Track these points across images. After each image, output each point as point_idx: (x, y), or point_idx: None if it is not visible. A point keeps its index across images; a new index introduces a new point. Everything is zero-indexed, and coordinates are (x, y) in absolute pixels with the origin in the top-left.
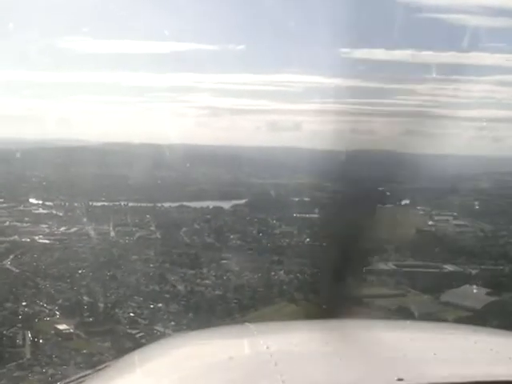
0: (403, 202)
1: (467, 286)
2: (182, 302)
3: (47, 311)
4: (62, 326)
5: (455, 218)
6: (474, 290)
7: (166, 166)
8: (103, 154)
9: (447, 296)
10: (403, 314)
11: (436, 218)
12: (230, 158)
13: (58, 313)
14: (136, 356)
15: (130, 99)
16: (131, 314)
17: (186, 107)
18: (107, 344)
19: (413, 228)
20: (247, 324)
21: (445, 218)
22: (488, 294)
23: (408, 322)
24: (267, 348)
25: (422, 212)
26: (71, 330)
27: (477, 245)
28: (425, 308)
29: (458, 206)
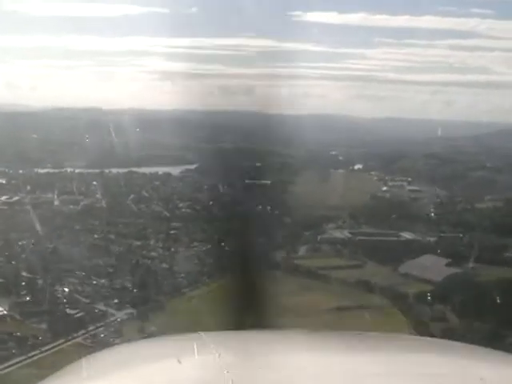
0: (356, 167)
1: (426, 255)
2: (127, 277)
3: None
4: None
5: (409, 183)
6: (434, 261)
7: (115, 131)
8: (49, 120)
9: (406, 267)
10: (362, 287)
11: (390, 183)
12: (180, 123)
13: None
14: (83, 365)
15: (79, 63)
16: (72, 292)
17: (138, 72)
18: (43, 326)
19: (367, 194)
20: (200, 333)
21: (399, 183)
22: (448, 264)
23: (363, 335)
24: (219, 356)
25: (375, 177)
26: (5, 312)
27: (434, 211)
28: (384, 280)
29: (411, 171)
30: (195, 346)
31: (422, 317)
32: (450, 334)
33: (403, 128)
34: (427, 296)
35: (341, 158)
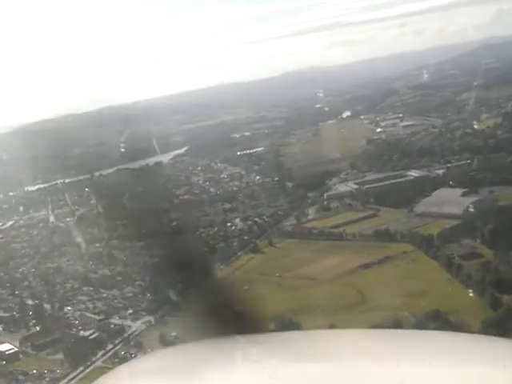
0: (345, 115)
1: (440, 190)
2: (137, 282)
3: None
4: (4, 347)
5: (402, 119)
6: (449, 194)
7: (94, 133)
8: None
9: (422, 206)
10: (381, 237)
11: (382, 123)
12: (157, 110)
13: None
14: (124, 371)
15: None
16: (83, 311)
17: None
18: (59, 356)
19: (362, 139)
20: (236, 336)
21: (391, 121)
22: (464, 194)
23: (399, 332)
24: (259, 360)
25: (366, 121)
26: (16, 349)
27: (434, 142)
28: (403, 225)
29: (400, 107)
30: (234, 350)
31: (452, 256)
32: (486, 270)
33: (380, 67)
34: (452, 232)
35: (326, 109)
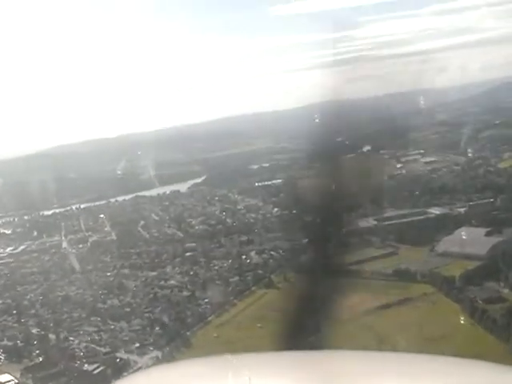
0: (365, 149)
1: (462, 228)
2: (146, 314)
3: None
4: (4, 378)
5: (423, 155)
6: (471, 233)
7: (114, 158)
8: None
9: (443, 245)
10: (401, 277)
11: (403, 159)
12: (178, 138)
13: (0, 358)
14: None
15: None
16: (88, 343)
17: None
18: None
19: (382, 174)
20: (227, 356)
21: (412, 157)
22: (488, 234)
23: (407, 356)
24: (249, 380)
25: (386, 156)
26: (16, 381)
27: (456, 180)
28: (423, 265)
29: (421, 143)
30: (225, 369)
31: (474, 300)
32: (510, 315)
33: (402, 102)
34: (476, 274)
35: (347, 142)
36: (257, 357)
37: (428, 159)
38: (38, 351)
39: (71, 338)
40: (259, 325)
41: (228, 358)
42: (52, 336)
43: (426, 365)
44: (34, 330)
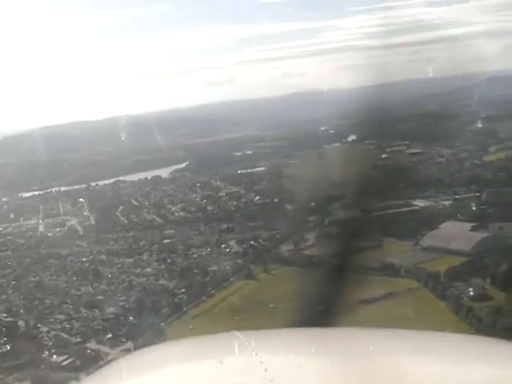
0: (350, 139)
1: (447, 223)
2: (121, 303)
3: None
4: None
5: (408, 146)
6: (457, 227)
7: (95, 142)
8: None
9: (428, 239)
10: (385, 271)
11: (388, 149)
12: (165, 123)
13: None
14: (122, 365)
15: None
16: (58, 331)
17: None
18: (27, 383)
19: (367, 164)
20: (234, 332)
21: (397, 148)
22: (473, 229)
23: (412, 333)
24: (256, 355)
25: (371, 146)
26: None
27: (441, 172)
28: (407, 259)
29: (407, 134)
30: (235, 346)
31: (460, 297)
32: (496, 313)
33: (389, 92)
34: (460, 270)
35: (332, 131)
36: (265, 333)
37: (413, 150)
38: (5, 339)
39: (40, 326)
40: (237, 317)
41: (235, 334)
42: (21, 324)
43: (440, 341)
44: (3, 317)
